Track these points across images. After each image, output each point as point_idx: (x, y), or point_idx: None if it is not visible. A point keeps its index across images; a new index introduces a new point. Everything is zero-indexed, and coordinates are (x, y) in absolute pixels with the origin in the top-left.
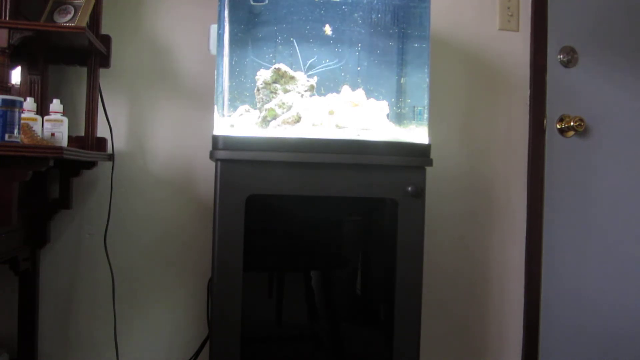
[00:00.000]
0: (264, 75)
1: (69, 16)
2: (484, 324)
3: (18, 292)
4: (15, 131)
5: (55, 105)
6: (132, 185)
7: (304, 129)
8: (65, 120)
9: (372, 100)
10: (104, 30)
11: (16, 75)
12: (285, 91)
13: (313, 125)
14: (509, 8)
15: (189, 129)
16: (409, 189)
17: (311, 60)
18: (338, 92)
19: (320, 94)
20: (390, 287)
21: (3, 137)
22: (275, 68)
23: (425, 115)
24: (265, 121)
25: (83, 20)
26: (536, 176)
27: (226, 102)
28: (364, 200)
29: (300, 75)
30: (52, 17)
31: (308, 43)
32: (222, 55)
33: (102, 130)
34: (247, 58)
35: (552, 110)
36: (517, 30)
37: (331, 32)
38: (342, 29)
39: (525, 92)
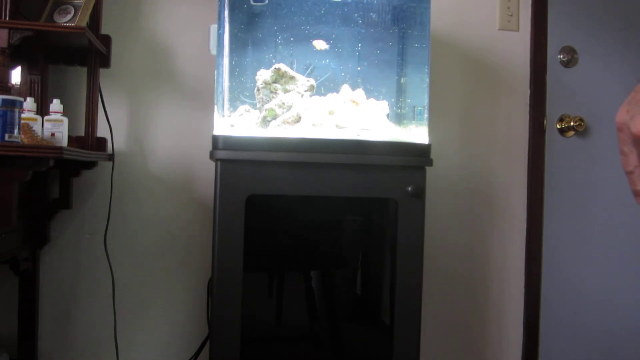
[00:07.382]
0: (264, 75)
1: (69, 16)
2: (484, 323)
3: (18, 292)
4: (16, 131)
5: (55, 105)
6: (133, 185)
7: (304, 129)
8: (65, 120)
9: (372, 100)
10: (104, 30)
11: (16, 75)
12: (285, 91)
13: (313, 125)
14: (509, 8)
15: (189, 129)
16: (409, 189)
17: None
18: (338, 92)
19: (320, 94)
20: (390, 287)
21: (3, 137)
22: (275, 68)
23: (425, 115)
24: (265, 121)
25: (83, 20)
26: (536, 176)
27: (226, 102)
28: (364, 200)
29: (300, 76)
30: (52, 17)
31: (308, 43)
32: (222, 55)
33: (102, 130)
34: (247, 58)
35: (552, 110)
36: (517, 30)
37: (326, 43)
38: (342, 29)
39: (525, 92)
